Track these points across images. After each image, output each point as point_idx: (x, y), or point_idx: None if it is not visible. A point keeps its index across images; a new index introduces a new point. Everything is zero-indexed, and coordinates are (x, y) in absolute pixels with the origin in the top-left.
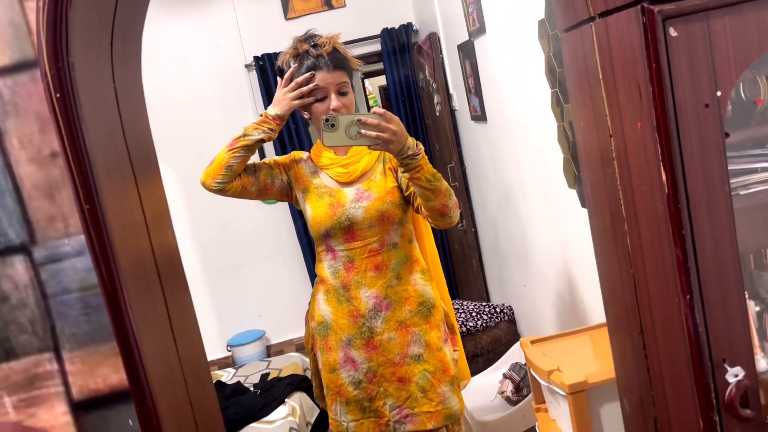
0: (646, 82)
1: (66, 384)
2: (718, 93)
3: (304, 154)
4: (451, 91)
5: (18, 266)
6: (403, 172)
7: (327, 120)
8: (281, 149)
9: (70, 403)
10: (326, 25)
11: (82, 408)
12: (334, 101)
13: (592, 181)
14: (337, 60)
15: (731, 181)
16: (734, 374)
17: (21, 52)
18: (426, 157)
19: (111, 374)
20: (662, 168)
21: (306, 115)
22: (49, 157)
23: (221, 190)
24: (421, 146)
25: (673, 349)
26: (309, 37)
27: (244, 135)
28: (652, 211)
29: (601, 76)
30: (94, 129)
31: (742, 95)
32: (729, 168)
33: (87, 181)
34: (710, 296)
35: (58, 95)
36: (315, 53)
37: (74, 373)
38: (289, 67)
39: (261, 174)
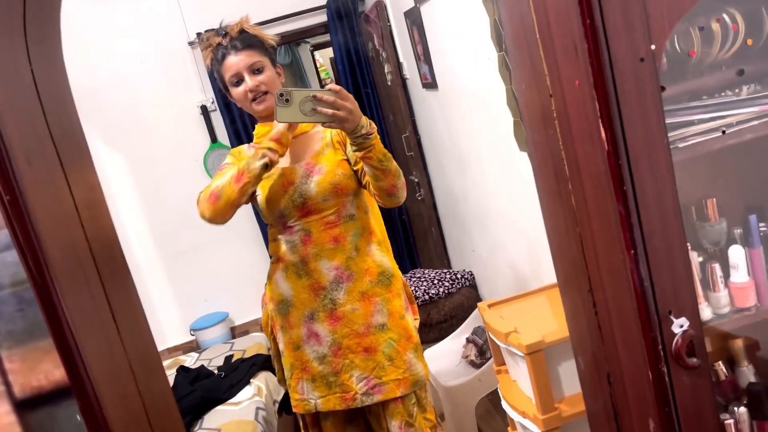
0: (582, 38)
1: (6, 383)
2: (653, 46)
3: (243, 147)
4: (401, 59)
5: None
6: (354, 151)
7: (281, 95)
8: (229, 120)
9: (13, 402)
10: None
11: (25, 406)
12: (249, 81)
13: (535, 141)
14: (244, 40)
15: (669, 134)
16: (679, 325)
17: None
18: (378, 137)
19: (53, 370)
20: (601, 125)
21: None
22: None
23: (225, 222)
24: (374, 126)
25: (622, 305)
26: (219, 29)
27: (248, 166)
28: (595, 168)
29: (538, 36)
30: (9, 113)
31: (677, 47)
32: (667, 121)
33: (4, 170)
34: (654, 250)
35: None
36: (225, 42)
37: (14, 371)
38: (214, 66)
39: None
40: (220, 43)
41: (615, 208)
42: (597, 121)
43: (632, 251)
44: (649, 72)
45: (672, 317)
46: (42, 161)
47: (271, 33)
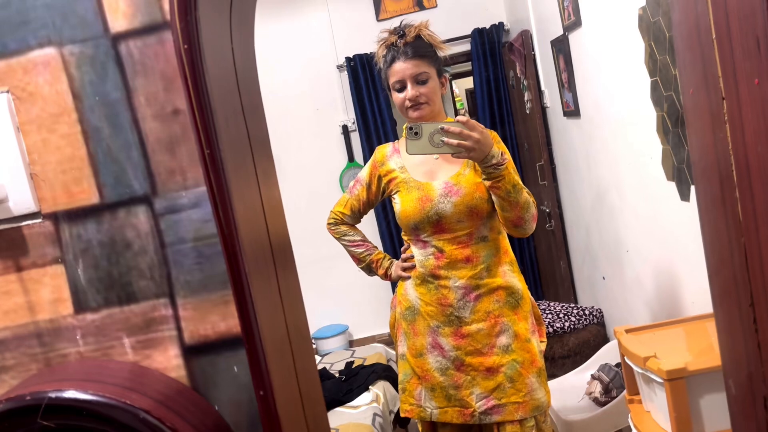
0: (766, 33)
1: (179, 329)
2: None
3: (388, 148)
4: (543, 87)
5: (141, 216)
6: (484, 179)
7: (411, 128)
8: (366, 141)
9: (182, 346)
10: None
11: (192, 352)
12: (410, 90)
13: (700, 147)
14: (417, 48)
15: None
16: None
17: (150, 16)
18: (509, 167)
19: (219, 322)
20: None
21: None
22: (171, 114)
23: None
24: (507, 156)
25: None
26: (398, 28)
27: (368, 269)
28: None
29: (714, 36)
30: (215, 81)
31: None
32: None
33: (208, 127)
34: None
35: (186, 46)
36: (400, 44)
37: (186, 318)
38: (383, 66)
39: (366, 210)
40: (395, 43)
41: None
42: None
43: None
44: None
45: None
46: (235, 126)
47: None
